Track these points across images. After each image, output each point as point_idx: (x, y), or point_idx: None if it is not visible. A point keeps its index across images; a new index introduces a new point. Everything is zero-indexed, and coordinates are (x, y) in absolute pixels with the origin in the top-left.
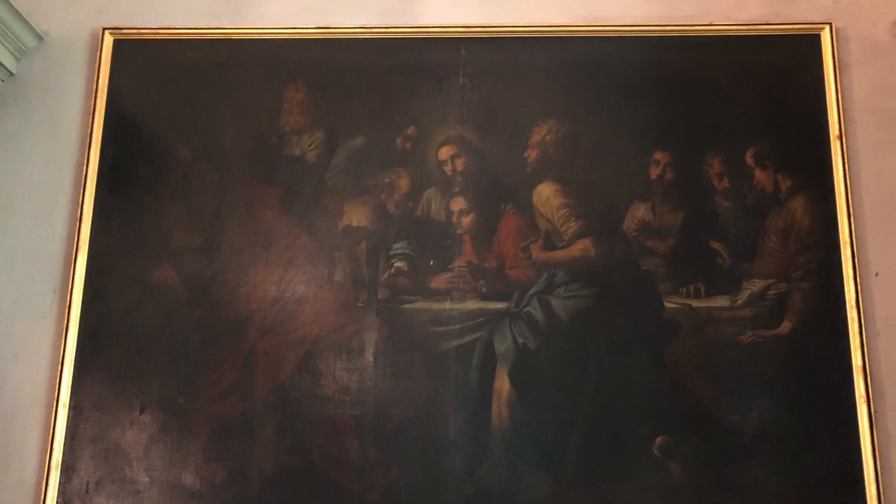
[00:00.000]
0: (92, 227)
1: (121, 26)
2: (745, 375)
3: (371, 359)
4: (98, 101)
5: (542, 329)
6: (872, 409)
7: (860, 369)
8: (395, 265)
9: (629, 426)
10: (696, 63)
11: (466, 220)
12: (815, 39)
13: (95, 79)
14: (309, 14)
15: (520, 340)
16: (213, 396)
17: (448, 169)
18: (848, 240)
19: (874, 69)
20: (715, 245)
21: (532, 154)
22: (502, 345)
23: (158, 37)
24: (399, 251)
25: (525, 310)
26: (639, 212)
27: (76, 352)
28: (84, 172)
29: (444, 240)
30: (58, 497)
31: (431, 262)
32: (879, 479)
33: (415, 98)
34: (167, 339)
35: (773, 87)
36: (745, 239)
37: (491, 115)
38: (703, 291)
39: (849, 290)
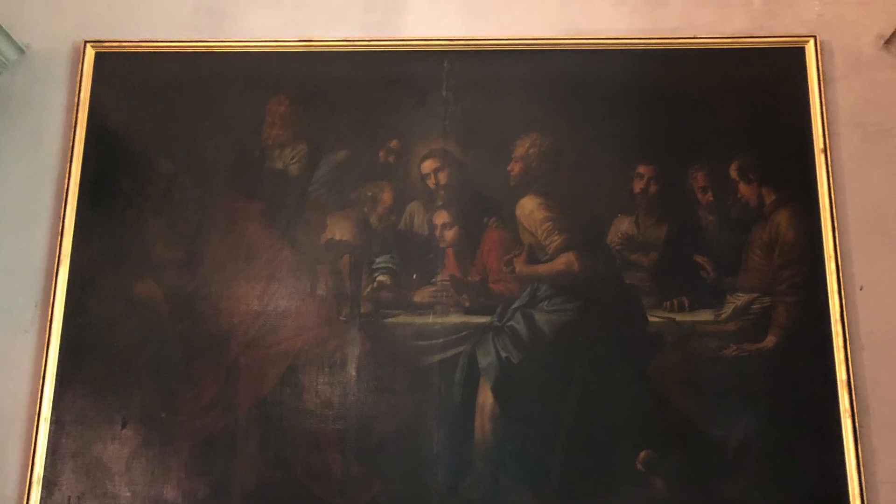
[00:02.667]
0: (73, 241)
1: (102, 39)
2: (730, 390)
3: (354, 373)
4: (80, 114)
5: (526, 343)
6: (857, 424)
7: (845, 384)
8: (377, 279)
9: (613, 441)
10: (680, 76)
11: (449, 234)
12: (799, 52)
13: (77, 92)
14: (291, 27)
15: (503, 355)
16: (196, 411)
17: (431, 182)
18: (832, 254)
19: (859, 82)
20: (699, 259)
21: (515, 167)
22: (485, 359)
23: (140, 50)
24: (382, 265)
25: (508, 324)
26: (622, 225)
27: (57, 366)
28: (66, 185)
29: (427, 253)
30: None
31: (414, 276)
32: (864, 494)
33: (398, 111)
34: (149, 353)
35: (758, 101)
36: (729, 253)
37: (474, 129)
38: (686, 305)
39: (833, 305)
